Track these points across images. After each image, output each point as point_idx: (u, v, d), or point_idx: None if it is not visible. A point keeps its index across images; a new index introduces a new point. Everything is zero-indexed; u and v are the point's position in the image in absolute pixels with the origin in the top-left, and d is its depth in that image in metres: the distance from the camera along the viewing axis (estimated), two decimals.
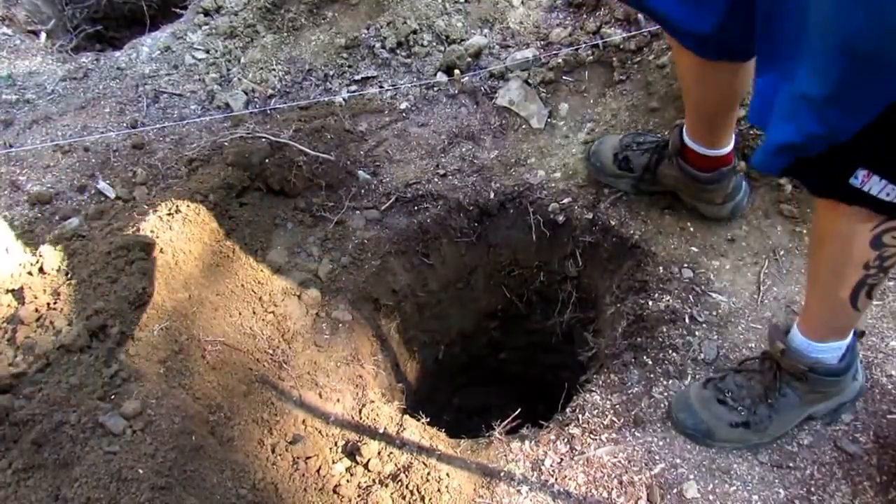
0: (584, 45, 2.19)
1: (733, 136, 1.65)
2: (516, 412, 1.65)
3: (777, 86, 1.02)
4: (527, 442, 1.53)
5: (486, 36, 2.37)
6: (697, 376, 1.57)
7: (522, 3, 2.43)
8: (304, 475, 1.46)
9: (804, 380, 1.38)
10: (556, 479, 1.45)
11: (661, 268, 1.78)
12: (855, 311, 1.24)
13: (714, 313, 1.67)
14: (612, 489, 1.42)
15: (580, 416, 1.55)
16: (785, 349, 1.37)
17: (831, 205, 1.08)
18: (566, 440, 1.51)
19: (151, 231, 1.62)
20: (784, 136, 1.00)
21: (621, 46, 2.17)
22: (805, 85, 0.94)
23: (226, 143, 1.98)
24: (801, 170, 1.05)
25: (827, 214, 1.14)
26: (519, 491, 1.44)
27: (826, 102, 0.92)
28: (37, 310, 1.49)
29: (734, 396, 1.46)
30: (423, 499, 1.42)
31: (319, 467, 1.48)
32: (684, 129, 1.68)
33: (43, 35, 2.79)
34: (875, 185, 1.00)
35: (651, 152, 1.80)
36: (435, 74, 2.32)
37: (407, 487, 1.44)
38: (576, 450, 1.49)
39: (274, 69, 2.40)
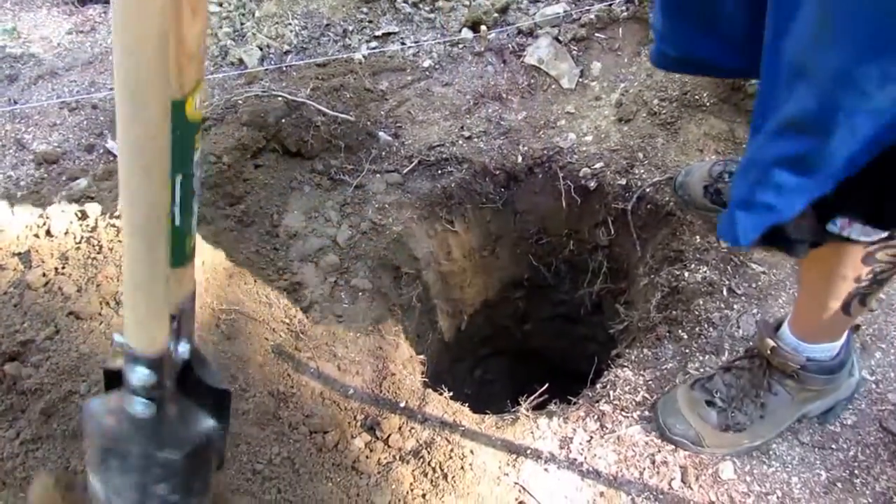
0: (618, 0, 2.13)
1: None
2: (544, 387, 1.61)
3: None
4: (555, 419, 1.48)
5: None
6: (735, 350, 1.51)
7: None
8: (321, 450, 1.42)
9: (796, 378, 1.32)
10: (585, 458, 1.40)
11: (697, 237, 1.72)
12: (847, 317, 1.18)
13: (753, 285, 1.61)
14: (644, 469, 1.37)
15: (611, 392, 1.51)
16: (775, 346, 1.30)
17: None
18: (596, 417, 1.46)
19: None
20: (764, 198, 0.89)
21: None
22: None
23: (240, 102, 1.95)
24: (774, 238, 0.95)
25: None
26: (546, 469, 1.39)
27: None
28: (44, 274, 1.46)
29: (723, 397, 1.39)
30: (445, 476, 1.37)
31: (338, 442, 1.44)
32: None
33: None
34: (855, 231, 0.95)
35: None
36: (460, 30, 2.27)
37: (429, 464, 1.40)
38: (606, 427, 1.44)
39: (290, 24, 2.35)
